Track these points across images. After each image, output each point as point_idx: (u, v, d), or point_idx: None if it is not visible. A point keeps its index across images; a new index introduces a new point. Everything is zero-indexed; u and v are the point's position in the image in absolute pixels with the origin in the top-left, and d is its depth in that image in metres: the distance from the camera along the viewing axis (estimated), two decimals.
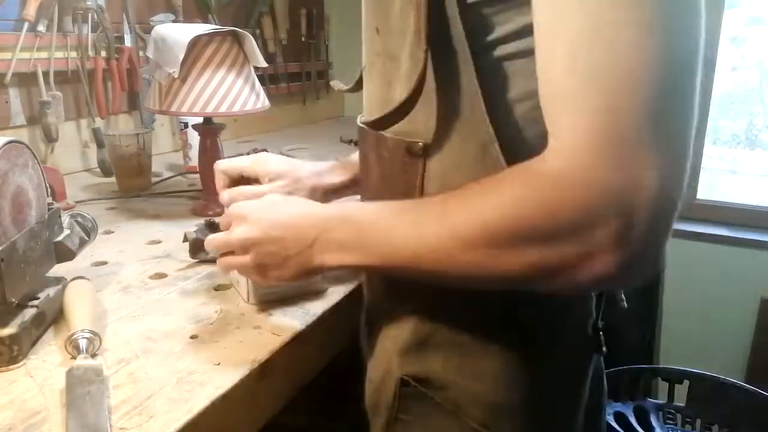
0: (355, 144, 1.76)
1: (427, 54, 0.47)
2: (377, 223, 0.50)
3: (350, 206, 0.55)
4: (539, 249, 0.42)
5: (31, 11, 1.19)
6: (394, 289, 0.60)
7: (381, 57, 0.54)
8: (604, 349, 0.60)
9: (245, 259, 0.57)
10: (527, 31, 0.44)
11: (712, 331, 1.95)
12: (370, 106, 0.59)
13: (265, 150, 1.59)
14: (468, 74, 0.47)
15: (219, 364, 0.59)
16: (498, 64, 0.48)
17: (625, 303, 0.66)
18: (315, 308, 0.71)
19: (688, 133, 0.40)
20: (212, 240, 0.61)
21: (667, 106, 0.39)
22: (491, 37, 0.47)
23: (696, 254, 1.93)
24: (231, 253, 0.59)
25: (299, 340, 0.66)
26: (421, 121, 0.51)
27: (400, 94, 0.51)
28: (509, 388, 0.55)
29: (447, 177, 0.51)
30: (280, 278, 0.57)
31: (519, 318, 0.54)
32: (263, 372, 0.60)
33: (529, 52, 0.44)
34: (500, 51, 0.47)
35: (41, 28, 1.22)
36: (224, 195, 0.78)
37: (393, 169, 0.55)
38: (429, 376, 0.57)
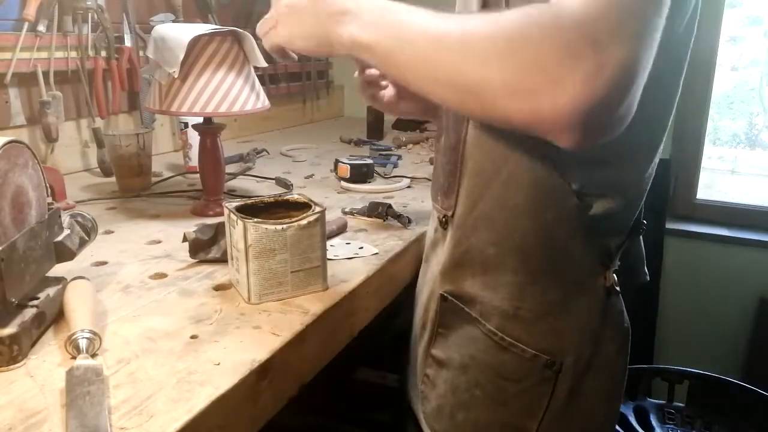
0: (356, 144, 1.76)
1: None
2: (400, 10, 0.55)
3: None
4: (522, 59, 0.45)
5: (31, 11, 1.19)
6: (443, 226, 0.73)
7: None
8: (617, 287, 0.67)
9: (279, 7, 0.64)
10: None
11: (711, 331, 1.95)
12: None
13: (265, 150, 1.60)
14: None
15: (219, 364, 0.59)
16: None
17: (647, 276, 0.75)
18: (315, 308, 0.71)
19: (653, 20, 0.45)
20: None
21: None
22: None
23: (696, 254, 1.93)
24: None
25: (299, 340, 0.66)
26: None
27: None
28: (519, 298, 0.66)
29: None
30: (295, 32, 0.63)
31: (529, 244, 0.64)
32: (263, 372, 0.60)
33: None
34: None
35: (41, 28, 1.22)
36: None
37: None
38: (461, 291, 0.70)
